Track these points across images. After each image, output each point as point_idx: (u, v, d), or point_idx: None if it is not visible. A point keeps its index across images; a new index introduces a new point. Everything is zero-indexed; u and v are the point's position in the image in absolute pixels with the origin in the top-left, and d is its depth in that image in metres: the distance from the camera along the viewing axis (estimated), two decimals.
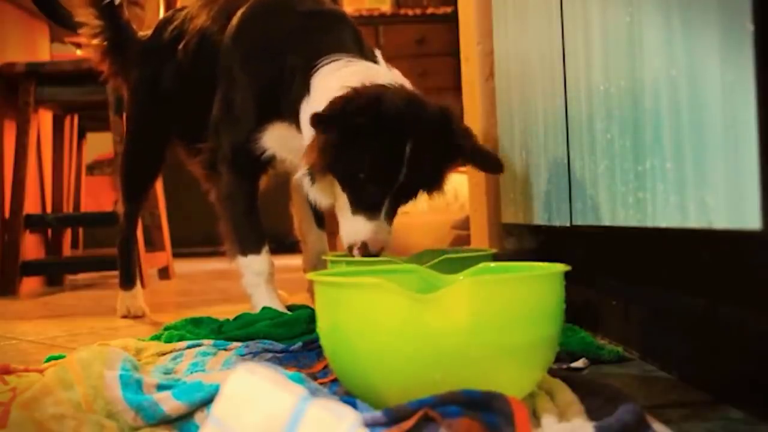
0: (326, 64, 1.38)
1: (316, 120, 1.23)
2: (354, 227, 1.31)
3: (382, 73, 1.35)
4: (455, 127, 1.30)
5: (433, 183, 1.37)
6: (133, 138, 1.91)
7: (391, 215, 1.32)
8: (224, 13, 1.63)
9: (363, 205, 1.30)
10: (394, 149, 1.25)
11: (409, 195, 1.34)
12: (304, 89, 1.40)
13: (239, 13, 1.57)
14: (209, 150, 1.59)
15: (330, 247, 1.86)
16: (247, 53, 1.53)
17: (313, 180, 1.34)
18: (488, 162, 1.37)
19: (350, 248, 1.32)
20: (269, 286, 1.53)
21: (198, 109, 1.69)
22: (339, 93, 1.25)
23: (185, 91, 1.74)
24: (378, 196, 1.29)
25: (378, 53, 1.49)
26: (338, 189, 1.33)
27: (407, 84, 1.36)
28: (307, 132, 1.35)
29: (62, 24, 2.80)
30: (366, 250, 1.30)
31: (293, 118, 1.44)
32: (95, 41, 1.90)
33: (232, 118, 1.54)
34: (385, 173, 1.27)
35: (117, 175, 1.99)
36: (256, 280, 1.52)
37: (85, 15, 1.89)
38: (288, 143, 1.48)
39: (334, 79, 1.33)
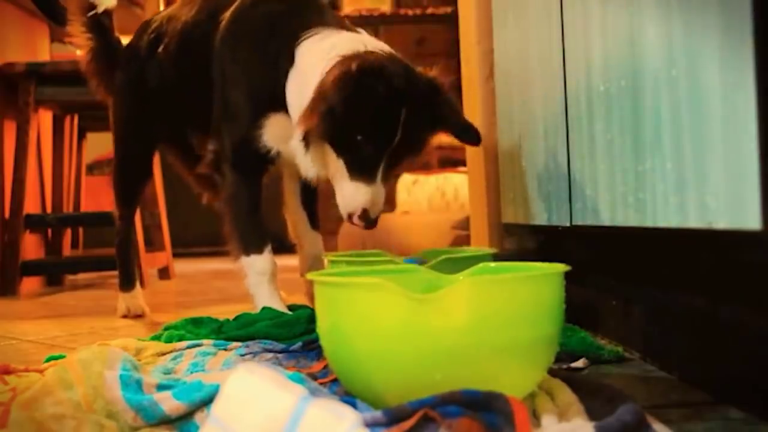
0: (310, 36, 1.43)
1: (339, 81, 1.25)
2: (353, 194, 1.34)
3: (371, 41, 1.39)
4: (444, 97, 1.35)
5: (417, 149, 1.41)
6: (120, 142, 1.91)
7: (385, 180, 1.36)
8: (205, 14, 1.64)
9: (360, 170, 1.33)
10: (392, 113, 1.29)
11: (398, 160, 1.38)
12: (289, 62, 1.44)
13: (226, 16, 1.58)
14: (213, 152, 1.59)
15: (327, 248, 1.87)
16: (235, 48, 1.55)
17: (307, 147, 1.37)
18: (467, 133, 1.41)
19: (350, 216, 1.35)
20: (271, 285, 1.53)
21: (181, 111, 1.70)
22: (330, 58, 1.31)
23: (168, 94, 1.75)
24: (375, 158, 1.32)
25: (362, 31, 1.51)
26: (332, 157, 1.35)
27: (395, 53, 1.40)
28: (294, 100, 1.40)
29: (62, 24, 2.80)
30: (367, 215, 1.34)
31: (286, 105, 1.46)
32: (86, 58, 1.92)
33: (229, 116, 1.55)
34: (383, 135, 1.30)
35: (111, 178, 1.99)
36: (259, 280, 1.53)
37: (75, 26, 1.91)
38: (289, 136, 1.48)
39: (323, 47, 1.38)
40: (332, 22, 1.48)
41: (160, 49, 1.74)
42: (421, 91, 1.32)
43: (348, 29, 1.49)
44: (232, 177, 1.55)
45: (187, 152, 1.80)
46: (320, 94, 1.29)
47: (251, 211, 1.56)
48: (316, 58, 1.36)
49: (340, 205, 1.37)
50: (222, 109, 1.56)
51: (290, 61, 1.44)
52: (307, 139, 1.35)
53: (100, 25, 1.90)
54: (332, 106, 1.27)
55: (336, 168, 1.36)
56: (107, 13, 1.91)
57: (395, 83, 1.27)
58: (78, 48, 1.96)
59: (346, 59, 1.28)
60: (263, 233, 1.55)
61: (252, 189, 1.56)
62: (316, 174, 1.42)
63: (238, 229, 1.55)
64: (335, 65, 1.29)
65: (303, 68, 1.40)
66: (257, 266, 1.53)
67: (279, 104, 1.47)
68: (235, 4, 1.59)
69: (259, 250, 1.53)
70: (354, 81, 1.24)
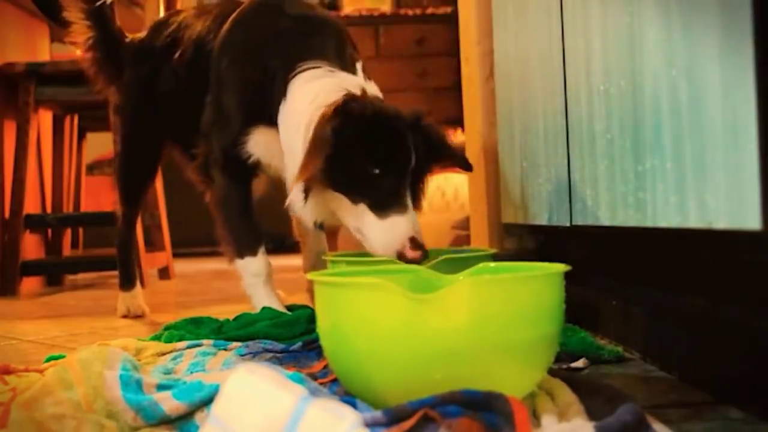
0: (305, 70, 1.39)
1: (327, 120, 1.20)
2: (391, 230, 1.21)
3: (358, 85, 1.33)
4: (430, 123, 1.30)
5: (424, 176, 1.33)
6: (127, 140, 1.91)
7: (415, 207, 1.27)
8: (218, 22, 1.63)
9: (389, 204, 1.22)
10: (399, 137, 1.23)
11: (417, 187, 1.30)
12: (282, 94, 1.41)
13: (230, 18, 1.58)
14: (203, 154, 1.59)
15: (330, 248, 1.87)
16: (233, 55, 1.54)
17: (306, 197, 1.27)
18: (460, 160, 1.38)
19: (400, 254, 1.20)
20: (267, 286, 1.53)
21: (192, 117, 1.70)
22: (316, 103, 1.27)
23: (179, 99, 1.74)
24: (400, 185, 1.22)
25: (359, 65, 1.49)
26: (346, 205, 1.26)
27: (380, 95, 1.37)
28: (285, 136, 1.38)
29: (62, 24, 2.80)
30: (416, 244, 1.19)
31: (275, 122, 1.44)
32: (85, 47, 1.90)
33: (220, 121, 1.54)
34: (400, 159, 1.22)
35: (114, 177, 1.99)
36: (254, 281, 1.53)
37: (74, 16, 1.89)
38: (272, 148, 1.48)
39: (311, 89, 1.34)
40: (330, 49, 1.45)
41: (176, 56, 1.72)
42: (410, 116, 1.27)
43: (347, 56, 1.46)
44: (221, 180, 1.55)
45: (193, 153, 1.81)
46: (315, 142, 1.21)
47: (243, 213, 1.55)
48: (302, 104, 1.32)
49: (379, 250, 1.23)
50: (213, 112, 1.55)
51: (283, 92, 1.40)
52: (307, 191, 1.27)
53: (100, 15, 1.88)
54: (333, 149, 1.19)
55: (357, 215, 1.25)
56: (111, 8, 1.90)
57: (391, 113, 1.23)
58: (75, 40, 1.95)
59: (328, 107, 1.23)
60: (256, 235, 1.55)
61: (242, 191, 1.55)
62: (319, 221, 1.35)
63: (231, 232, 1.54)
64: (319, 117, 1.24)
65: (291, 109, 1.37)
66: (252, 268, 1.53)
67: (268, 118, 1.45)
68: (238, 9, 1.59)
69: (253, 252, 1.52)
70: (342, 113, 1.20)
